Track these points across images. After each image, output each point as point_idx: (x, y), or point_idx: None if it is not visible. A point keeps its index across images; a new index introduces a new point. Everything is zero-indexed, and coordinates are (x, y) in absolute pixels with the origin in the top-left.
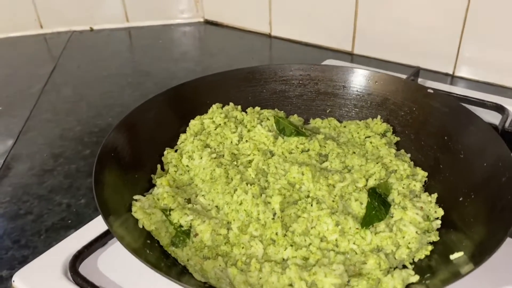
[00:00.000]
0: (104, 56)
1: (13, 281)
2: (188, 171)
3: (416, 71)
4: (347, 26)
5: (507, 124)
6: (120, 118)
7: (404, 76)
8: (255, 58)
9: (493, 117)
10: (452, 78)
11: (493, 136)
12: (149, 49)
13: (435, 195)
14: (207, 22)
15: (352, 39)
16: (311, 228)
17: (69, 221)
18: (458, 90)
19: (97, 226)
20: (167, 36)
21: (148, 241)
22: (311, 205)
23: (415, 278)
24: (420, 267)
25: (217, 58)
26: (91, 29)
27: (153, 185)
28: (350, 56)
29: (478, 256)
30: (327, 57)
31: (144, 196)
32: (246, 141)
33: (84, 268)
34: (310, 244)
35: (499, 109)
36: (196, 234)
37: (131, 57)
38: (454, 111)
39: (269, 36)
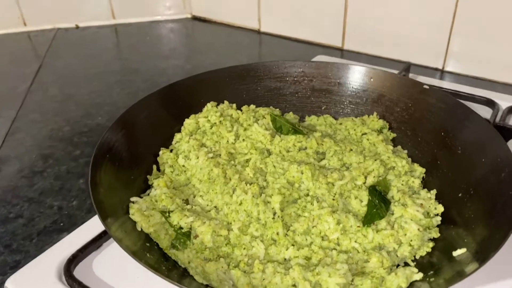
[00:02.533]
0: (91, 54)
1: (6, 287)
2: (185, 171)
3: (407, 67)
4: (337, 22)
5: (497, 119)
6: (110, 117)
7: (395, 72)
8: (245, 55)
9: (484, 112)
10: (441, 73)
11: (491, 132)
12: (136, 46)
13: (434, 192)
14: (195, 18)
15: (342, 35)
16: (313, 227)
17: (61, 224)
18: (448, 85)
19: (90, 228)
20: (154, 33)
21: (147, 244)
22: (311, 204)
23: (419, 275)
24: (422, 264)
25: (206, 55)
26: (77, 27)
27: (149, 186)
28: (340, 52)
29: (482, 254)
30: (317, 52)
31: (141, 197)
32: (243, 140)
33: (78, 272)
34: (311, 243)
35: (490, 103)
36: (196, 236)
37: (119, 54)
38: (451, 107)
39: (258, 32)
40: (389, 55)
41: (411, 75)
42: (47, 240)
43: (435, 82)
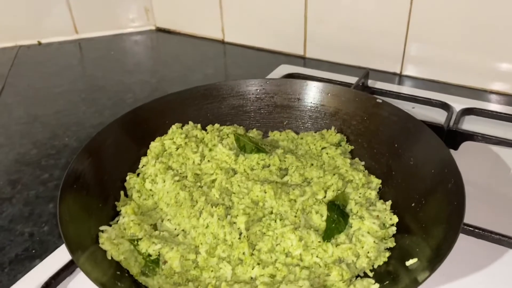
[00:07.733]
0: (55, 71)
1: None
2: (152, 195)
3: (366, 73)
4: (298, 31)
5: (451, 122)
6: (77, 137)
7: (355, 79)
8: (210, 66)
9: (439, 115)
10: (399, 77)
11: (437, 143)
12: (101, 61)
13: (389, 202)
14: (159, 30)
15: (304, 43)
16: (276, 245)
17: (33, 251)
18: (406, 89)
19: (62, 254)
20: (118, 47)
21: (118, 272)
22: (275, 222)
23: (375, 286)
24: (380, 274)
25: (171, 68)
26: (39, 43)
27: (118, 213)
28: (303, 60)
29: (432, 262)
30: (280, 61)
31: (110, 225)
32: (208, 161)
33: None
34: (276, 260)
35: (444, 106)
36: (165, 262)
37: (83, 71)
38: (402, 120)
39: (222, 42)
40: (349, 61)
41: (370, 81)
42: (19, 269)
43: (394, 87)
